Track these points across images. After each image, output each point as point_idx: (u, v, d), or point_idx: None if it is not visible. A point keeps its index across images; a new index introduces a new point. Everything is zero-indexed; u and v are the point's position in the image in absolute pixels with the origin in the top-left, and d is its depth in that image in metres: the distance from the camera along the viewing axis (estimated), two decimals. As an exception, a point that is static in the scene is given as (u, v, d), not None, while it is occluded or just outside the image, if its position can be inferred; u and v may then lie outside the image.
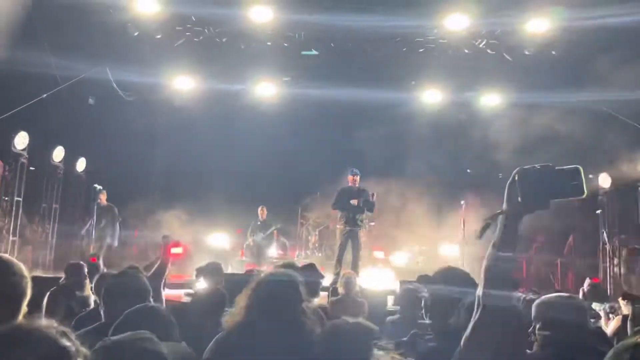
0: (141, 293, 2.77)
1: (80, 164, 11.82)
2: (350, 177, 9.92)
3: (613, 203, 11.66)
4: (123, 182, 12.46)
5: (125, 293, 2.72)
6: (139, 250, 13.13)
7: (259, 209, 12.61)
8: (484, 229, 1.67)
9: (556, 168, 1.54)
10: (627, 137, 11.09)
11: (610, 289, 10.65)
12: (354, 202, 9.70)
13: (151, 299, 2.85)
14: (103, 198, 11.37)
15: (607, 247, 11.33)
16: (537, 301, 2.79)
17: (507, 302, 1.63)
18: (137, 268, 6.13)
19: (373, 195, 9.84)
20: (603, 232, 11.48)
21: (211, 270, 5.64)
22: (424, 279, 2.56)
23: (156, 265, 6.13)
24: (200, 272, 5.69)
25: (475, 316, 1.66)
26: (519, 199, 1.55)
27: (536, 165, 1.55)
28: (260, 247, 12.29)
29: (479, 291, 1.66)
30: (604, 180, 11.60)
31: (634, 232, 11.50)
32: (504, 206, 1.61)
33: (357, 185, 9.87)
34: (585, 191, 1.52)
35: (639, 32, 9.50)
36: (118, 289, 2.82)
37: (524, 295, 4.93)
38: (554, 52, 11.91)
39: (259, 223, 12.55)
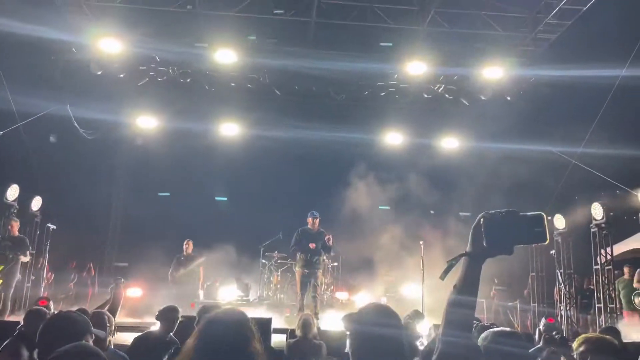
0: (77, 335, 2.67)
1: (36, 203, 11.47)
2: (309, 220, 9.99)
3: (567, 244, 11.97)
4: (79, 221, 12.15)
5: (60, 334, 2.62)
6: (93, 292, 12.73)
7: (185, 242, 11.67)
8: (447, 270, 1.68)
9: (520, 214, 1.57)
10: (579, 181, 11.52)
11: (565, 328, 10.81)
12: (312, 245, 9.75)
13: (90, 340, 2.75)
14: (15, 228, 9.99)
15: (562, 287, 11.56)
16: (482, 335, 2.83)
17: (466, 346, 1.63)
18: (85, 311, 5.94)
19: (329, 239, 9.92)
20: (558, 273, 11.73)
21: (166, 314, 5.48)
22: (346, 317, 2.47)
23: (107, 307, 5.96)
24: (158, 315, 5.55)
25: (434, 356, 1.66)
26: (484, 243, 1.56)
27: (501, 211, 1.58)
28: (180, 285, 11.17)
29: (439, 333, 1.66)
30: (559, 222, 11.94)
31: (587, 272, 11.81)
32: (468, 248, 1.63)
33: (316, 228, 9.99)
34: (548, 238, 1.57)
35: (588, 87, 10.01)
36: (52, 330, 2.72)
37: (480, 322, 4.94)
38: (508, 98, 12.42)
39: (182, 258, 11.57)
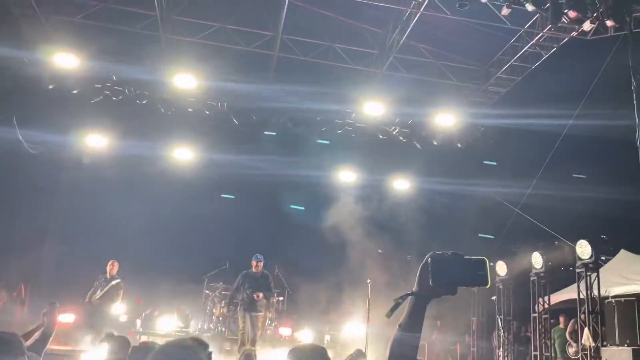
0: (9, 357, 2.49)
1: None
2: (253, 263, 10.08)
3: (508, 290, 12.30)
4: (15, 238, 11.52)
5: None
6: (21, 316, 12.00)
7: (109, 263, 10.62)
8: (394, 308, 1.69)
9: (465, 257, 1.62)
10: (521, 229, 11.95)
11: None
12: (257, 296, 9.75)
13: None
14: None
15: (501, 333, 11.80)
16: None
17: None
18: (14, 334, 5.57)
19: (270, 283, 10.21)
20: (498, 319, 11.99)
21: (118, 342, 5.16)
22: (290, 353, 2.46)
23: (39, 332, 5.60)
24: (107, 339, 5.20)
25: None
26: (430, 282, 1.59)
27: (448, 252, 1.62)
28: (96, 307, 10.16)
29: None
30: (500, 268, 12.27)
31: (525, 319, 12.12)
32: (415, 288, 1.65)
33: (259, 270, 10.06)
34: (489, 282, 1.61)
35: (536, 137, 10.54)
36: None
37: None
38: (459, 145, 12.87)
39: (103, 279, 10.47)
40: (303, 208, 13.84)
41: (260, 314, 10.12)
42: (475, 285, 1.63)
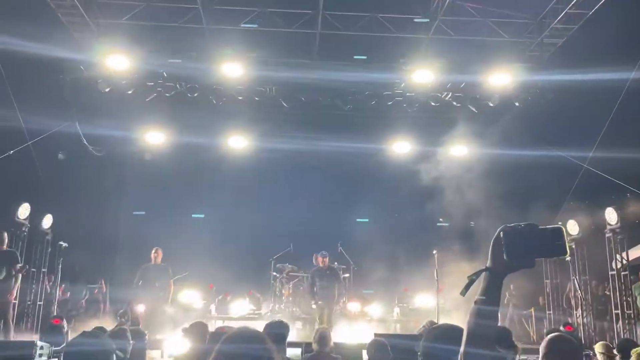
0: (101, 356, 2.64)
1: (47, 221, 11.50)
2: (319, 259, 10.69)
3: (582, 250, 11.83)
4: (90, 238, 12.16)
5: (85, 357, 2.58)
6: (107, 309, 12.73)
7: (153, 251, 10.75)
8: (468, 286, 1.65)
9: (540, 227, 1.55)
10: (591, 185, 11.40)
11: (582, 336, 10.64)
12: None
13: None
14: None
15: (578, 294, 11.40)
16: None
17: (491, 358, 1.59)
18: (102, 329, 5.91)
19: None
20: (574, 280, 11.57)
21: (196, 330, 5.43)
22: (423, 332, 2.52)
23: (131, 328, 5.92)
24: (186, 332, 5.49)
25: None
26: (505, 257, 1.54)
27: (520, 224, 1.56)
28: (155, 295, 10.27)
29: (461, 350, 1.62)
30: (572, 228, 11.80)
31: (603, 278, 11.64)
32: (488, 263, 1.60)
33: (326, 265, 10.68)
34: (568, 251, 1.55)
35: (598, 89, 9.95)
36: (76, 353, 2.68)
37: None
38: (517, 104, 12.35)
39: (149, 268, 10.66)
40: (367, 220, 13.82)
41: (333, 304, 10.69)
42: (553, 255, 1.58)
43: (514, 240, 1.54)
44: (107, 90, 11.63)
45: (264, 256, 13.16)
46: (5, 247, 9.35)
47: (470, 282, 1.65)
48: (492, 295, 1.60)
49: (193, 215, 14.02)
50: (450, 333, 2.40)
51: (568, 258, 11.86)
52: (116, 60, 11.05)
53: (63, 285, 12.00)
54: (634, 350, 3.21)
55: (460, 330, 2.45)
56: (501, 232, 1.57)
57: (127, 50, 10.97)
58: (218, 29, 11.21)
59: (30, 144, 11.01)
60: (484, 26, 11.34)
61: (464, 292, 1.68)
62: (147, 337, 4.78)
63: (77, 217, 11.99)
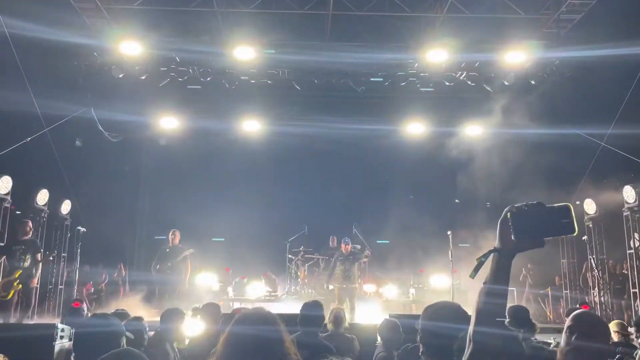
0: (111, 337, 2.68)
1: (65, 207, 11.70)
2: (342, 246, 11.07)
3: (599, 229, 11.71)
4: (109, 223, 12.34)
5: (94, 339, 2.63)
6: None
7: (170, 233, 11.19)
8: (477, 268, 1.64)
9: (547, 206, 1.54)
10: (608, 164, 11.24)
11: (600, 314, 10.58)
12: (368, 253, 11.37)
13: (124, 343, 2.76)
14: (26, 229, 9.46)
15: (595, 273, 11.32)
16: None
17: (498, 341, 1.59)
18: (125, 311, 6.01)
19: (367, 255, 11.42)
20: (591, 259, 11.48)
21: (209, 312, 5.48)
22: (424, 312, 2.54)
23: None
24: (197, 312, 5.56)
25: (466, 354, 1.62)
26: (513, 237, 1.54)
27: (527, 203, 1.55)
28: (163, 278, 10.57)
29: (470, 329, 1.62)
30: (589, 207, 11.68)
31: (621, 257, 11.53)
32: (497, 244, 1.60)
33: (349, 250, 11.06)
34: (576, 229, 1.54)
35: (615, 66, 9.74)
36: (86, 334, 2.73)
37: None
38: (533, 82, 12.16)
39: (167, 250, 11.04)
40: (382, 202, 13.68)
41: (354, 286, 10.88)
42: (561, 234, 1.56)
43: (521, 220, 1.53)
44: (121, 76, 11.70)
45: (279, 239, 13.26)
46: (29, 235, 9.54)
47: (479, 264, 1.64)
48: (501, 276, 1.59)
49: (207, 199, 14.11)
50: (446, 310, 2.43)
51: (584, 237, 11.77)
52: (129, 46, 11.08)
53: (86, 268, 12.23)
54: None
55: (456, 307, 2.47)
56: (508, 213, 1.56)
57: (139, 36, 10.99)
58: (230, 12, 11.16)
59: (47, 131, 11.16)
60: (498, 3, 11.12)
61: (473, 274, 1.66)
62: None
63: (95, 202, 12.17)
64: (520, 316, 4.65)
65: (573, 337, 2.68)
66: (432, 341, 2.33)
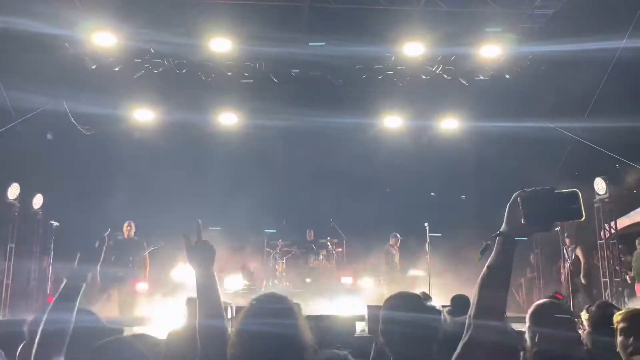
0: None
1: (37, 201, 11.43)
2: (394, 240, 12.61)
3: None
4: (81, 217, 12.09)
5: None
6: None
7: (125, 224, 10.95)
8: (484, 250, 1.65)
9: (556, 191, 1.56)
10: (580, 156, 11.49)
11: (572, 303, 10.84)
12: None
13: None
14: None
15: (568, 262, 11.58)
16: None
17: (499, 330, 1.60)
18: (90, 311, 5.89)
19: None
20: (563, 248, 11.74)
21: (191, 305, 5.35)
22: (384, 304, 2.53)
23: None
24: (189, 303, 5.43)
25: (463, 339, 1.63)
26: (522, 220, 1.54)
27: (538, 188, 1.57)
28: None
29: (470, 316, 1.63)
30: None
31: (592, 248, 11.81)
32: (503, 228, 1.60)
33: (398, 244, 12.58)
34: (584, 214, 1.56)
35: (588, 60, 9.93)
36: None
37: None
38: (507, 76, 12.34)
39: (121, 243, 10.72)
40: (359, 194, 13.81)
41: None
42: (570, 219, 1.59)
43: (532, 204, 1.54)
44: (93, 67, 11.46)
45: (257, 232, 13.19)
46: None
47: (486, 246, 1.64)
48: (504, 260, 1.59)
49: (183, 193, 13.94)
50: (405, 301, 2.45)
51: (557, 228, 12.02)
52: (102, 37, 10.85)
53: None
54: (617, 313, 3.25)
55: (416, 297, 2.50)
56: (518, 197, 1.57)
57: (113, 27, 10.76)
58: (205, 3, 11.01)
59: (17, 123, 10.88)
60: (474, -3, 11.22)
61: (479, 257, 1.67)
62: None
63: (68, 196, 11.91)
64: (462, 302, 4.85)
65: (536, 339, 2.71)
66: (392, 329, 2.35)
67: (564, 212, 1.57)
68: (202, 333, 2.03)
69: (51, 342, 2.14)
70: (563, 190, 1.58)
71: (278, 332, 1.98)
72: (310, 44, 11.27)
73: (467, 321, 1.63)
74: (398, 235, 12.69)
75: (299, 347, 1.97)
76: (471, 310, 1.63)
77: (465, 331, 1.63)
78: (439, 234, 11.08)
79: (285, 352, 1.95)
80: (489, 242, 1.64)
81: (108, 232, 2.75)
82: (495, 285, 1.60)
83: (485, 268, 1.63)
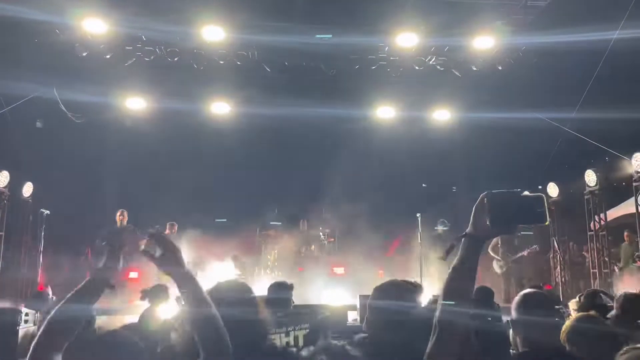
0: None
1: (27, 189, 11.34)
2: (440, 229, 11.71)
3: (562, 212, 12.06)
4: (72, 206, 12.03)
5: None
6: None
7: (118, 213, 10.84)
8: (449, 250, 1.66)
9: (522, 194, 1.56)
10: (571, 148, 11.56)
11: (561, 295, 10.96)
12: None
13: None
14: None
15: (558, 254, 11.69)
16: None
17: (464, 320, 1.60)
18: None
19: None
20: (553, 240, 11.85)
21: (156, 293, 5.32)
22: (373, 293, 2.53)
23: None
24: (146, 294, 5.39)
25: (432, 339, 1.62)
26: (488, 222, 1.54)
27: (503, 190, 1.56)
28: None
29: (436, 314, 1.63)
30: (552, 190, 12.01)
31: (582, 239, 11.93)
32: (469, 229, 1.60)
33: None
34: (548, 219, 1.57)
35: (580, 52, 9.95)
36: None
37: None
38: (500, 67, 12.35)
39: (116, 232, 10.63)
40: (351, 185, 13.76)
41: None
42: (533, 223, 1.60)
43: (498, 207, 1.54)
44: (84, 54, 11.32)
45: (249, 221, 13.18)
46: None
47: (451, 247, 1.65)
48: (469, 260, 1.59)
49: (174, 181, 13.89)
50: (392, 289, 2.47)
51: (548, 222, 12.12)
52: (93, 24, 10.72)
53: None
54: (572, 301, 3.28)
55: (403, 285, 2.52)
56: (485, 198, 1.56)
57: (104, 13, 10.64)
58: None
59: (6, 111, 10.76)
60: (468, -12, 11.19)
61: (444, 257, 1.68)
62: None
63: (59, 184, 11.83)
64: (484, 297, 4.76)
65: (519, 339, 2.72)
66: (379, 318, 2.37)
67: (529, 215, 1.56)
68: (194, 322, 2.04)
69: (55, 336, 2.11)
70: (529, 194, 1.57)
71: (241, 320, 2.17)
72: (316, 36, 11.19)
73: (433, 324, 1.63)
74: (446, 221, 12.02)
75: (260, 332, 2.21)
76: (437, 313, 1.63)
77: (432, 331, 1.63)
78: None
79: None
80: (456, 242, 1.64)
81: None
82: (461, 285, 1.60)
83: (450, 270, 1.62)
